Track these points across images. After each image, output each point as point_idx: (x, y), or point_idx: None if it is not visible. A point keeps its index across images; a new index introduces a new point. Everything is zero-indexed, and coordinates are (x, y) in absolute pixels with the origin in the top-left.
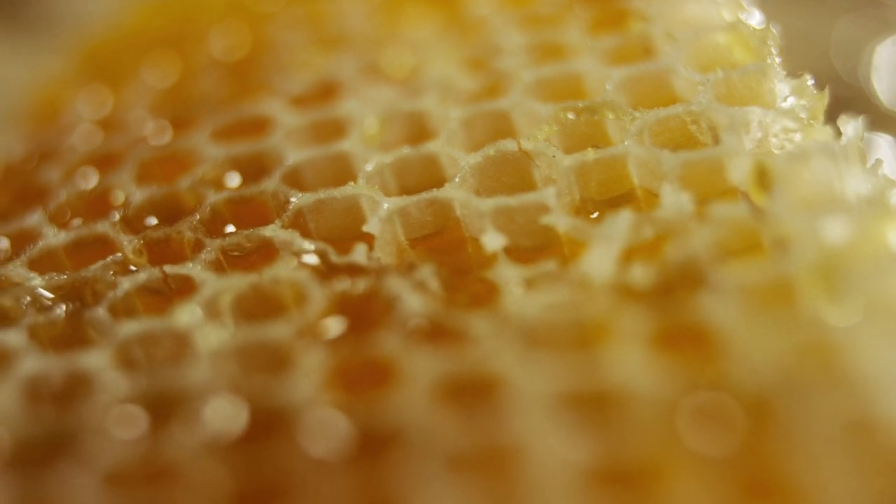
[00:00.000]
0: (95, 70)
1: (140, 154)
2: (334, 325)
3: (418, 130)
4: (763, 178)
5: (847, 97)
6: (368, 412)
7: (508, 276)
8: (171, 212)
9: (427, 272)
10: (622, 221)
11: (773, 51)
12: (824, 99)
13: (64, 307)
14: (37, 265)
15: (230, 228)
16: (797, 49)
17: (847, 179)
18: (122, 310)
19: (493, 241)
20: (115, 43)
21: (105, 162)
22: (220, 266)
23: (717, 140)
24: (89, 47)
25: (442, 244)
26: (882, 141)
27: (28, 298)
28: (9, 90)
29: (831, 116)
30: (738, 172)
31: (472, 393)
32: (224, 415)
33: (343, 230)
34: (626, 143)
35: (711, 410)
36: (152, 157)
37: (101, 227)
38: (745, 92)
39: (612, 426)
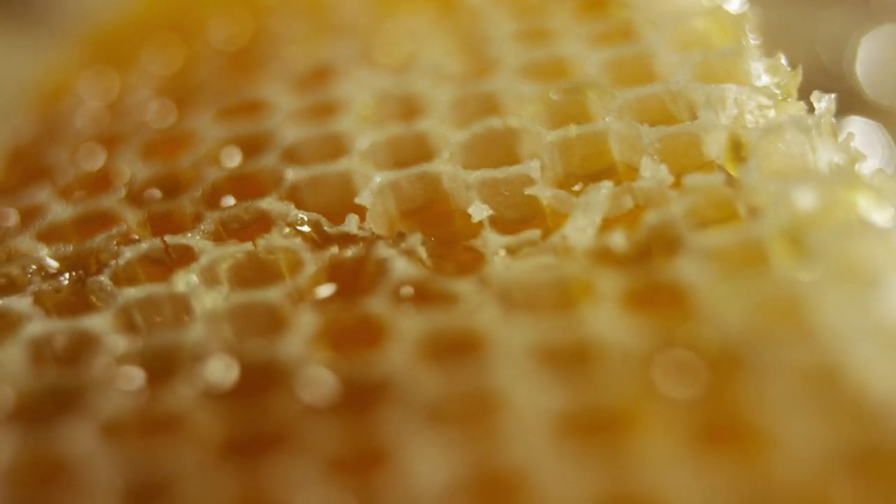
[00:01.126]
0: (101, 56)
1: (144, 135)
2: (325, 289)
3: (411, 112)
4: (738, 151)
5: (832, 89)
6: (356, 367)
7: (494, 244)
8: (173, 187)
9: (415, 241)
10: (603, 191)
11: (750, 34)
12: (797, 76)
13: (68, 275)
14: (44, 237)
15: (230, 202)
16: (783, 40)
17: (819, 151)
18: (125, 277)
19: (479, 212)
20: (119, 31)
21: (111, 142)
22: (218, 236)
23: (694, 117)
24: (95, 35)
25: (431, 217)
26: (866, 126)
27: (34, 267)
28: (12, 82)
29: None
30: (715, 146)
31: (456, 348)
32: (219, 371)
33: (337, 204)
34: (607, 119)
35: (683, 363)
36: (156, 137)
37: (107, 202)
38: (723, 73)
39: (587, 377)
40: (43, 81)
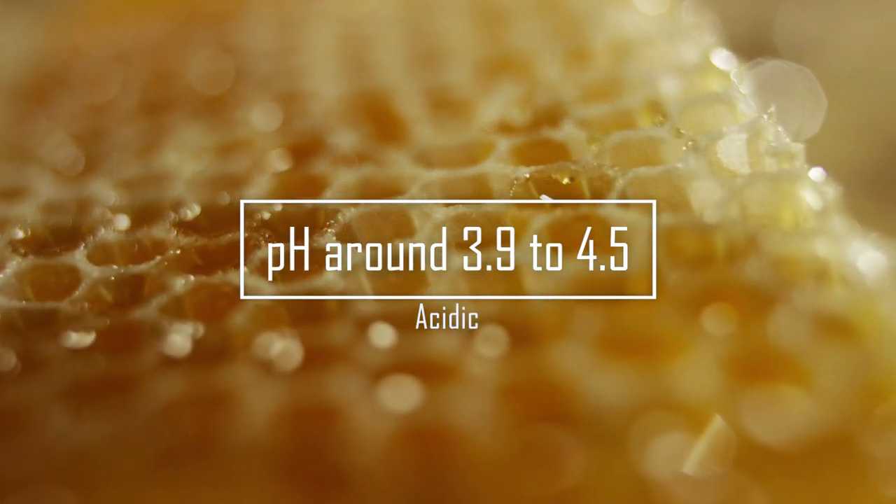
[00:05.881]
0: (105, 14)
1: (149, 70)
2: (281, 161)
3: (364, 50)
4: (619, 56)
5: (752, 55)
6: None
7: (422, 133)
8: (170, 108)
9: (363, 129)
10: (509, 89)
11: None
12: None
13: (83, 161)
14: (70, 139)
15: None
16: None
17: (682, 51)
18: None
19: (413, 111)
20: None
21: (123, 74)
22: (205, 131)
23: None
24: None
25: (377, 118)
26: (791, 69)
27: (58, 158)
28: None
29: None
30: (602, 52)
31: (381, 188)
32: (192, 212)
33: (299, 106)
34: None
35: (559, 190)
36: (156, 74)
37: (117, 117)
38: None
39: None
40: (53, 38)
